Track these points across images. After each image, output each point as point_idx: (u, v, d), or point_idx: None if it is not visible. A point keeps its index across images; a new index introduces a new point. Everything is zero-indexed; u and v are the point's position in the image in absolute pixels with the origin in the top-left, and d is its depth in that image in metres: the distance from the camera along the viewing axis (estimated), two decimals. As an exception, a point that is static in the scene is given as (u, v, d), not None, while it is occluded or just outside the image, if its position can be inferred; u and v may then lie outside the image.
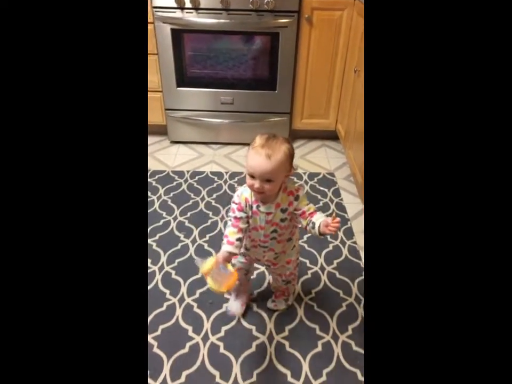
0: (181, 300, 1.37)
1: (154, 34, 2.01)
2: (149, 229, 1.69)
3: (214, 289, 0.97)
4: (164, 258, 1.55)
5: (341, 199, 1.93)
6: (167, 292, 1.40)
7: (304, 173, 2.13)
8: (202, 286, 1.42)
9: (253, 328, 1.29)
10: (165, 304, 1.36)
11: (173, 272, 1.48)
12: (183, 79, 2.16)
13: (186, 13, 1.96)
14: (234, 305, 1.33)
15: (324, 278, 1.48)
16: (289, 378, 1.14)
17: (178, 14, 1.96)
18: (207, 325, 1.29)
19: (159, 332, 1.26)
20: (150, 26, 2.00)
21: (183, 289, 1.41)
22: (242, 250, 1.16)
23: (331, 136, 2.42)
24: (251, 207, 1.03)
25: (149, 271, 1.48)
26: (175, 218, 1.77)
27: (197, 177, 2.06)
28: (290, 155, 0.96)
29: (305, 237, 1.65)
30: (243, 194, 1.04)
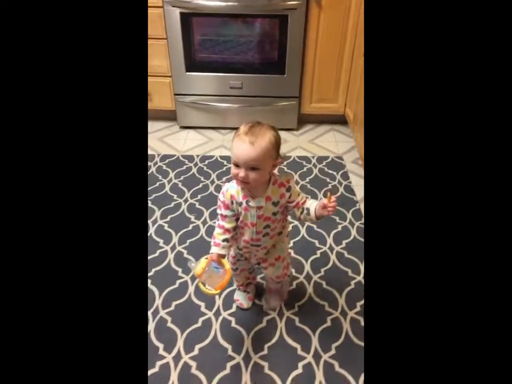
0: (193, 278, 1.41)
1: (163, 18, 2.02)
2: (159, 211, 1.72)
3: (206, 292, 0.99)
4: (175, 239, 1.58)
5: (349, 182, 1.95)
6: (179, 270, 1.44)
7: (313, 157, 2.14)
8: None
9: (264, 305, 1.32)
10: (178, 281, 1.40)
11: (185, 251, 1.52)
12: (192, 64, 2.17)
13: (195, -4, 1.96)
14: (242, 296, 1.31)
15: (333, 257, 1.51)
16: (299, 352, 1.18)
17: (187, -3, 1.96)
18: (219, 302, 1.33)
19: (172, 308, 1.30)
20: (159, 11, 2.00)
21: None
22: (236, 251, 1.14)
23: (340, 120, 2.42)
24: (240, 203, 0.99)
25: (161, 250, 1.52)
26: (185, 201, 1.80)
27: (206, 161, 2.09)
28: (276, 142, 0.92)
29: (314, 218, 1.67)
30: (229, 191, 1.00)
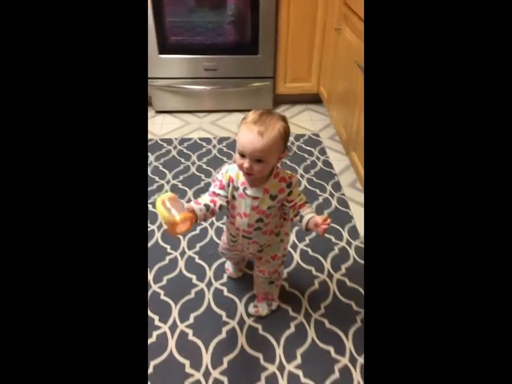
0: (182, 253, 1.43)
1: (133, 0, 1.99)
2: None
3: (165, 216, 0.80)
4: (160, 218, 1.59)
5: (327, 157, 2.01)
6: (168, 247, 1.46)
7: (291, 135, 2.18)
8: (202, 240, 1.48)
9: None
10: (167, 258, 1.41)
11: None
12: (165, 46, 2.15)
13: (165, -24, 1.94)
14: (232, 267, 1.32)
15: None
16: (291, 313, 1.23)
17: (157, -22, 1.94)
18: (209, 273, 1.36)
19: (164, 282, 1.32)
20: (128, -8, 1.97)
21: (183, 243, 1.47)
22: (228, 237, 1.10)
23: (314, 99, 2.48)
24: (236, 188, 0.95)
25: (148, 229, 1.53)
26: (168, 182, 1.80)
27: (185, 144, 2.09)
28: (286, 134, 0.88)
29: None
30: (228, 172, 0.96)
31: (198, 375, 1.07)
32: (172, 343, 1.14)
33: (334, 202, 1.70)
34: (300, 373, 1.08)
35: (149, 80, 2.25)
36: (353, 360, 1.11)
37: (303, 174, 1.88)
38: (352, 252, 1.45)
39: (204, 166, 1.91)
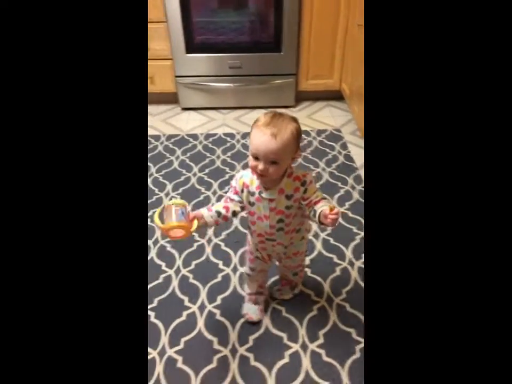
0: (209, 241, 1.51)
1: (163, 2, 2.09)
2: (171, 185, 1.81)
3: (157, 223, 0.90)
4: (189, 208, 1.67)
5: (349, 151, 2.05)
6: (195, 235, 1.54)
7: (312, 130, 2.23)
8: (228, 228, 1.55)
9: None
10: (195, 244, 1.49)
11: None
12: (192, 45, 2.24)
13: (193, -22, 2.03)
14: (252, 310, 1.22)
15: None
16: (313, 297, 1.28)
17: (185, -20, 2.03)
18: (235, 259, 1.43)
19: (193, 267, 1.40)
20: (158, -6, 2.07)
21: (209, 231, 1.55)
22: (253, 246, 1.11)
23: (335, 96, 2.52)
24: (252, 193, 0.96)
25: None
26: (194, 175, 1.89)
27: (210, 139, 2.17)
28: (298, 135, 0.89)
29: (317, 185, 1.77)
30: (242, 178, 0.97)
31: (226, 351, 1.13)
32: (201, 323, 1.21)
33: (356, 195, 1.74)
34: (322, 352, 1.13)
35: (176, 78, 2.35)
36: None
37: (325, 167, 1.92)
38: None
39: (229, 160, 1.99)
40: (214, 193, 1.76)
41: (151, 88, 2.38)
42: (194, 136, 2.20)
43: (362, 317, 1.22)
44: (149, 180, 1.85)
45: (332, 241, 1.50)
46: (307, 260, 1.39)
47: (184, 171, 1.91)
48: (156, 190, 1.78)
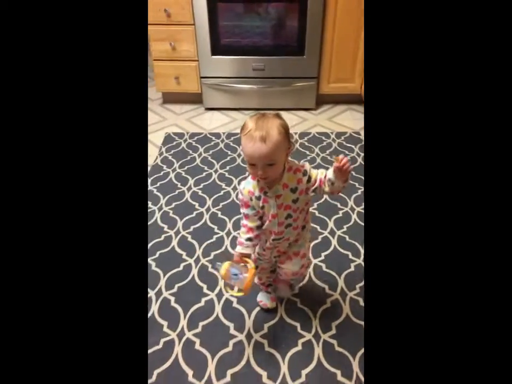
0: (228, 233, 1.57)
1: (191, 5, 2.18)
2: (193, 180, 1.89)
3: (233, 293, 0.99)
4: (209, 202, 1.74)
5: (367, 154, 2.08)
6: (215, 227, 1.60)
7: (332, 133, 2.27)
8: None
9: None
10: (214, 236, 1.56)
11: (219, 213, 1.68)
12: (218, 48, 2.32)
13: (221, -17, 2.11)
14: (265, 298, 1.28)
15: (354, 216, 1.65)
16: (327, 291, 1.32)
17: (213, -16, 2.11)
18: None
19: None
20: (187, -2, 2.16)
21: (229, 225, 1.61)
22: (259, 250, 1.12)
23: (356, 100, 2.55)
24: (258, 197, 0.97)
25: (197, 212, 1.68)
26: (216, 171, 1.96)
27: (232, 138, 2.24)
28: (286, 131, 0.90)
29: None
30: (245, 188, 0.99)
31: (242, 337, 1.18)
32: (218, 308, 1.27)
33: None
34: (334, 342, 1.17)
35: (201, 79, 2.43)
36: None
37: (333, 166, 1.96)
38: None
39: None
40: (234, 189, 1.82)
41: (177, 88, 2.48)
42: (217, 135, 2.27)
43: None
44: (172, 175, 1.92)
45: (347, 239, 1.53)
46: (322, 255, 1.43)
47: (206, 167, 1.98)
48: (179, 184, 1.86)
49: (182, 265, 1.43)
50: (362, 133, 2.28)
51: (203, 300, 1.30)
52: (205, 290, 1.33)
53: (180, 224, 1.62)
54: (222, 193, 1.80)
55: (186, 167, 1.99)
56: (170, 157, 2.07)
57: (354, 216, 1.65)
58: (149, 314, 1.25)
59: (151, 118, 2.47)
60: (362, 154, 2.07)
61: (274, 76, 2.40)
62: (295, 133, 2.26)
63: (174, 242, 1.53)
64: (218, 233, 1.57)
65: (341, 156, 0.86)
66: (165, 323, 1.23)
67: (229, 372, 1.09)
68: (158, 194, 1.79)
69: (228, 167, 1.99)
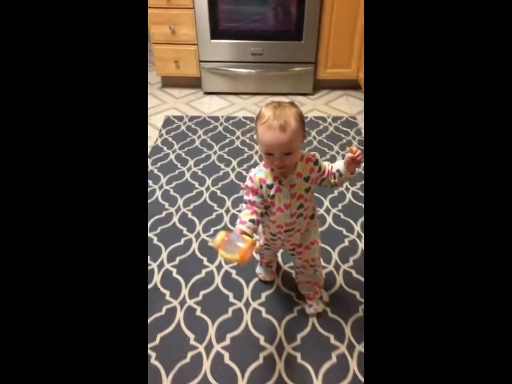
0: (227, 211, 1.62)
1: (191, -12, 2.20)
2: (192, 161, 1.94)
3: (227, 258, 0.85)
4: (209, 182, 1.79)
5: (362, 137, 2.13)
6: (215, 205, 1.65)
7: (328, 117, 2.32)
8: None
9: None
10: (214, 213, 1.61)
11: (218, 191, 1.74)
12: (217, 32, 2.35)
13: (220, -33, 2.13)
14: (264, 271, 1.31)
15: (348, 195, 1.71)
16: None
17: (213, -32, 2.13)
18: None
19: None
20: (187, -19, 2.18)
21: (228, 203, 1.66)
22: (264, 242, 1.13)
23: (352, 85, 2.59)
24: (271, 186, 0.96)
25: (197, 191, 1.74)
26: (215, 153, 2.01)
27: (231, 121, 2.29)
28: (301, 119, 0.90)
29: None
30: (257, 175, 0.97)
31: (240, 304, 1.25)
32: (218, 279, 1.33)
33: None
34: (328, 309, 1.24)
35: (200, 63, 2.46)
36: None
37: (339, 151, 2.02)
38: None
39: (247, 141, 2.10)
40: (233, 169, 1.88)
41: (176, 72, 2.51)
42: (216, 118, 2.31)
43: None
44: (172, 156, 1.97)
45: (342, 216, 1.60)
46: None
47: (205, 149, 2.03)
48: (179, 165, 1.91)
49: (182, 239, 1.49)
50: (358, 117, 2.33)
51: (203, 271, 1.36)
52: (205, 263, 1.39)
53: (180, 201, 1.68)
54: (221, 173, 1.85)
55: (186, 148, 2.04)
56: (170, 139, 2.11)
57: (349, 195, 1.71)
58: (152, 285, 1.31)
59: (151, 101, 2.51)
60: (358, 137, 2.13)
61: (273, 61, 2.44)
62: (293, 117, 2.31)
63: (175, 219, 1.59)
64: (217, 210, 1.63)
65: (354, 148, 0.91)
66: (167, 292, 1.29)
67: (228, 336, 1.16)
68: (159, 174, 1.84)
69: (226, 149, 2.03)
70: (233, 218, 1.59)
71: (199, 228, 1.54)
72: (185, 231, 1.53)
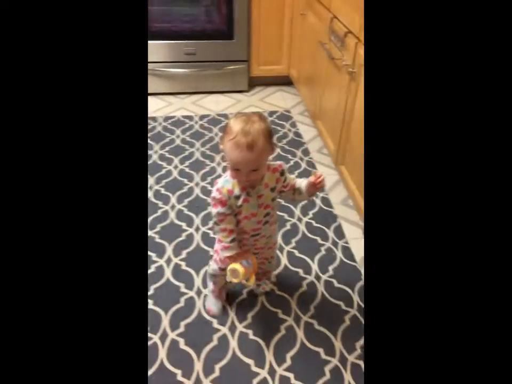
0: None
1: (118, -11, 2.18)
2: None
3: (248, 285, 1.04)
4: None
5: (297, 129, 2.26)
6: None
7: (264, 112, 2.43)
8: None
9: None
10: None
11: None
12: (149, 33, 2.35)
13: (147, -32, 2.14)
14: (216, 306, 1.27)
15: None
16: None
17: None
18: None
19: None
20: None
21: (197, 220, 1.70)
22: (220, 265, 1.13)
23: (286, 81, 2.72)
24: (238, 196, 0.95)
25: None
26: (155, 152, 2.02)
27: (169, 121, 2.30)
28: (270, 135, 0.89)
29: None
30: (224, 187, 0.95)
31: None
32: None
33: (304, 165, 1.96)
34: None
35: (133, 64, 2.44)
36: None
37: (276, 143, 2.13)
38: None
39: (188, 139, 2.14)
40: (175, 167, 1.91)
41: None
42: (154, 119, 2.32)
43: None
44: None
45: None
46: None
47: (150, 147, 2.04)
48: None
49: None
50: (292, 111, 2.46)
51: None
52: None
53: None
54: (163, 171, 1.88)
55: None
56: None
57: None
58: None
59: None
60: (293, 129, 2.26)
61: (206, 60, 2.49)
62: (230, 114, 2.38)
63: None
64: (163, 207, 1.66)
65: (318, 173, 0.95)
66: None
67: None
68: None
69: (167, 148, 2.06)
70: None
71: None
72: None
